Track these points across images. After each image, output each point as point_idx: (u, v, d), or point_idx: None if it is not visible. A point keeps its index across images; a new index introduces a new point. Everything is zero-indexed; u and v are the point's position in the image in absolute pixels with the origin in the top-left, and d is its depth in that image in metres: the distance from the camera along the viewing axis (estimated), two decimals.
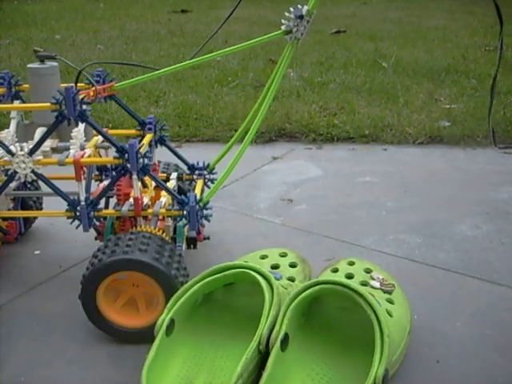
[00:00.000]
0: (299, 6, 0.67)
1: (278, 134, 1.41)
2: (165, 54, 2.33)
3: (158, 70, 0.76)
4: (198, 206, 0.71)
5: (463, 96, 1.65)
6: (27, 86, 0.80)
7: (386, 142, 1.36)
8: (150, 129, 0.82)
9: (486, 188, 1.09)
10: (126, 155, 0.68)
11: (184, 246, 0.76)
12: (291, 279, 0.69)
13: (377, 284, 0.67)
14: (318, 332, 0.61)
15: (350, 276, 0.68)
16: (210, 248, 0.89)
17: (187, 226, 0.74)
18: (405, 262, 0.84)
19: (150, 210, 0.72)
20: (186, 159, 0.86)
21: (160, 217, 0.74)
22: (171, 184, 0.82)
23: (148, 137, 0.80)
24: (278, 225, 0.97)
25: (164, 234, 0.71)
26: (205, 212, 0.72)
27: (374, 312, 0.56)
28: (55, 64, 0.77)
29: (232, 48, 0.71)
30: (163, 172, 0.86)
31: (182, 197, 0.71)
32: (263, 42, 0.69)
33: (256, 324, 0.57)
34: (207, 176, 0.85)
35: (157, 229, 0.71)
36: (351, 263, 0.71)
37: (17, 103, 0.82)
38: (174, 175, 0.84)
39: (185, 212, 0.71)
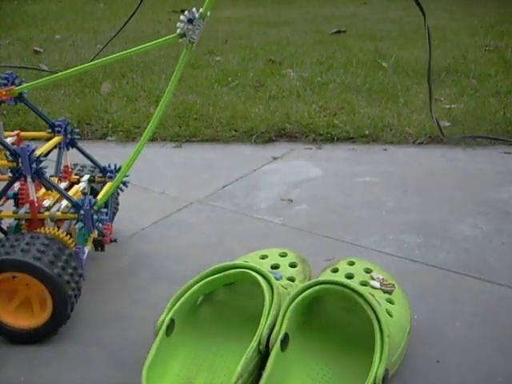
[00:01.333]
0: (194, 10, 0.68)
1: (277, 134, 1.41)
2: (165, 53, 2.33)
3: (56, 73, 0.76)
4: (92, 210, 0.71)
5: (463, 96, 1.65)
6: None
7: (386, 141, 1.36)
8: (58, 131, 0.83)
9: (486, 188, 1.09)
10: (20, 159, 0.68)
11: (88, 248, 0.76)
12: (291, 279, 0.69)
13: (377, 284, 0.67)
14: (317, 332, 0.61)
15: (349, 276, 0.68)
16: (209, 248, 0.89)
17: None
18: (405, 261, 0.84)
19: (46, 213, 0.73)
20: (97, 162, 0.86)
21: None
22: (78, 186, 0.82)
23: (54, 139, 0.81)
24: (277, 225, 0.97)
25: (69, 237, 0.71)
26: (100, 216, 0.72)
27: (374, 312, 0.56)
28: None
29: (127, 51, 0.71)
30: (78, 174, 0.87)
31: (77, 200, 0.71)
32: (158, 45, 0.69)
33: (256, 324, 0.57)
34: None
35: (55, 230, 0.71)
36: (351, 263, 0.71)
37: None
38: (85, 177, 0.85)
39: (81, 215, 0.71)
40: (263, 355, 0.56)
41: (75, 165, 0.89)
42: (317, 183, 1.14)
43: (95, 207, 0.71)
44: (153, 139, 1.41)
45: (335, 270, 0.70)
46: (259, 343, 0.55)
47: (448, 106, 1.56)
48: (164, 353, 0.57)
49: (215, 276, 0.62)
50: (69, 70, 0.74)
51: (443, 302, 0.74)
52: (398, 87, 1.74)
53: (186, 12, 0.67)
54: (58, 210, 0.73)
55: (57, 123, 0.83)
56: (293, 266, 0.72)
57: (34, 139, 0.84)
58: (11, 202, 0.79)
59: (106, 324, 0.71)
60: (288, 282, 0.67)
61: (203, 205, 1.04)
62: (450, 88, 1.74)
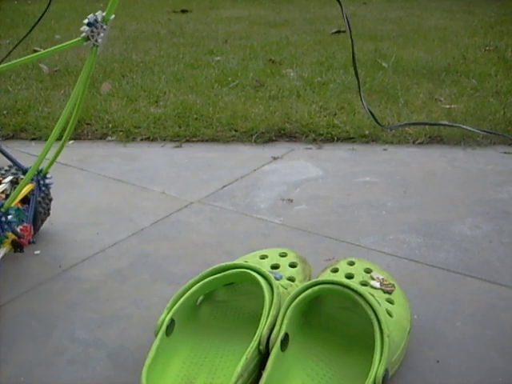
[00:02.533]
0: (97, 13, 0.67)
1: (277, 134, 1.41)
2: (165, 53, 2.33)
3: None
4: None
5: (463, 96, 1.65)
6: None
7: (386, 142, 1.36)
8: None
9: (486, 188, 1.09)
10: None
11: (5, 249, 0.76)
12: (291, 279, 0.69)
13: (377, 284, 0.67)
14: (317, 332, 0.61)
15: (349, 276, 0.68)
16: (210, 248, 0.89)
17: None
18: (405, 262, 0.84)
19: None
20: (19, 163, 0.85)
21: None
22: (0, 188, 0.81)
23: None
24: (277, 225, 0.97)
25: None
26: (8, 218, 0.72)
27: (374, 312, 0.56)
28: None
29: (31, 56, 0.70)
30: (1, 175, 0.86)
31: None
32: (62, 49, 0.68)
33: (256, 324, 0.57)
34: (41, 181, 0.85)
35: None
36: (351, 263, 0.71)
37: None
38: (7, 179, 0.84)
39: None
40: (263, 355, 0.56)
41: (0, 168, 0.89)
42: (317, 183, 1.14)
43: (2, 209, 0.71)
44: (153, 139, 1.41)
45: (335, 270, 0.70)
46: (259, 343, 0.55)
47: (448, 106, 1.56)
48: (164, 353, 0.57)
49: (215, 276, 0.62)
50: None
51: (443, 302, 0.74)
52: (397, 87, 1.74)
53: (90, 15, 0.66)
54: None
55: None
56: (293, 265, 0.72)
57: None
58: None
59: (106, 324, 0.71)
60: (288, 281, 0.67)
61: (203, 205, 1.04)
62: (449, 88, 1.74)
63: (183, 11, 3.68)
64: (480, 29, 2.83)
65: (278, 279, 0.65)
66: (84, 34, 0.67)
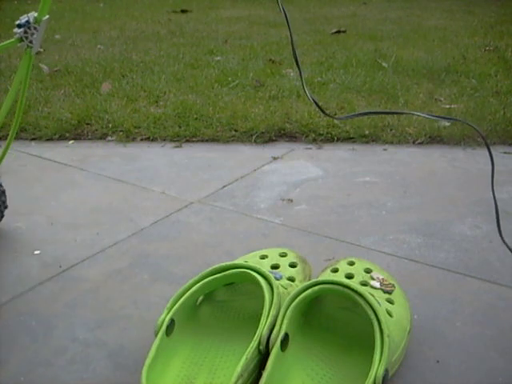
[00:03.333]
0: (29, 14, 0.67)
1: (277, 134, 1.41)
2: (165, 53, 2.33)
3: None
4: None
5: (463, 96, 1.65)
6: None
7: (386, 142, 1.36)
8: None
9: (486, 188, 1.09)
10: None
11: None
12: (291, 279, 0.69)
13: (377, 284, 0.67)
14: (317, 332, 0.61)
15: (349, 276, 0.68)
16: (210, 248, 0.89)
17: None
18: (405, 262, 0.84)
19: None
20: None
21: None
22: None
23: None
24: (278, 225, 0.97)
25: None
26: None
27: (374, 312, 0.56)
28: None
29: None
30: None
31: None
32: None
33: (256, 324, 0.57)
34: None
35: None
36: (351, 263, 0.71)
37: None
38: None
39: None
40: (263, 355, 0.56)
41: None
42: (317, 183, 1.14)
43: None
44: (153, 139, 1.41)
45: (335, 270, 0.70)
46: (259, 343, 0.55)
47: (448, 106, 1.56)
48: (164, 353, 0.57)
49: (215, 276, 0.62)
50: None
51: (443, 302, 0.74)
52: (397, 87, 1.74)
53: (22, 16, 0.66)
54: None
55: None
56: (293, 265, 0.72)
57: None
58: None
59: (106, 324, 0.71)
60: (288, 281, 0.67)
61: (203, 205, 1.04)
62: (449, 88, 1.74)
63: (183, 11, 3.68)
64: (480, 29, 2.83)
65: (278, 279, 0.65)
66: (17, 36, 0.67)
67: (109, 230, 0.95)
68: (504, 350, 0.65)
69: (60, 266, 0.84)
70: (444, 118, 0.73)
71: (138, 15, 3.51)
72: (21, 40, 0.67)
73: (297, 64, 0.71)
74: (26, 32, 0.67)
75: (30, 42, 0.67)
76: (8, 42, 0.68)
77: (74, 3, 4.04)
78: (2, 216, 0.92)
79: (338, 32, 2.80)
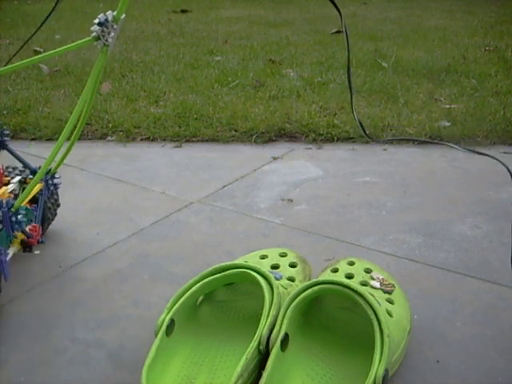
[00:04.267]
0: (108, 13, 0.67)
1: (277, 134, 1.41)
2: (165, 53, 2.33)
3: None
4: (10, 212, 0.70)
5: (463, 96, 1.65)
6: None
7: (386, 142, 1.36)
8: None
9: (486, 188, 1.09)
10: None
11: (14, 249, 0.76)
12: (291, 279, 0.69)
13: (377, 284, 0.67)
14: (317, 332, 0.61)
15: (349, 276, 0.68)
16: (210, 248, 0.89)
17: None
18: (405, 262, 0.84)
19: None
20: (28, 163, 0.86)
21: None
22: (6, 188, 0.81)
23: None
24: (278, 225, 0.97)
25: None
26: (18, 217, 0.72)
27: (374, 312, 0.56)
28: None
29: (42, 55, 0.70)
30: (7, 176, 0.86)
31: None
32: (72, 49, 0.68)
33: (256, 324, 0.57)
34: (50, 181, 0.85)
35: None
36: (351, 263, 0.71)
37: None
38: (15, 179, 0.84)
39: None
40: (263, 355, 0.56)
41: (7, 167, 0.89)
42: (317, 183, 1.14)
43: (12, 209, 0.71)
44: (153, 139, 1.41)
45: (335, 270, 0.70)
46: (259, 343, 0.55)
47: (448, 106, 1.56)
48: (164, 353, 0.57)
49: (215, 276, 0.62)
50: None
51: (443, 302, 0.74)
52: (397, 87, 1.74)
53: (100, 15, 0.66)
54: None
55: None
56: (293, 265, 0.72)
57: None
58: None
59: (106, 324, 0.71)
60: (288, 281, 0.67)
61: (203, 205, 1.04)
62: (449, 88, 1.74)
63: (183, 11, 3.68)
64: (480, 29, 2.83)
65: (278, 279, 0.65)
66: (94, 34, 0.67)
67: (109, 229, 0.95)
68: (504, 350, 0.65)
69: (60, 266, 0.84)
70: (478, 153, 0.73)
71: (138, 15, 3.51)
72: (97, 38, 0.67)
73: (350, 87, 0.71)
74: (102, 31, 0.67)
75: (106, 40, 0.67)
76: (84, 40, 0.68)
77: (74, 3, 4.04)
78: (55, 215, 0.93)
79: (338, 32, 2.80)
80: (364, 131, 0.72)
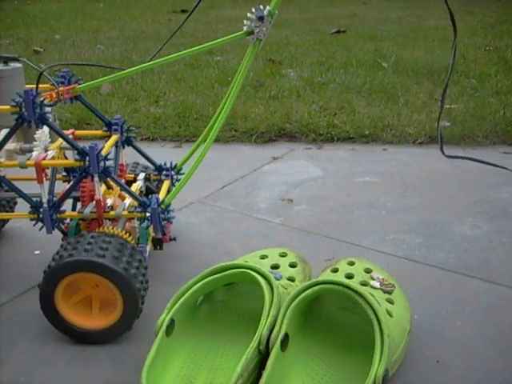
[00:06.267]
0: (261, 7, 0.67)
1: (277, 134, 1.41)
2: (165, 53, 2.33)
3: (123, 70, 0.76)
4: (159, 208, 0.70)
5: (463, 96, 1.65)
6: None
7: (386, 142, 1.36)
8: (115, 130, 0.82)
9: (486, 188, 1.09)
10: (87, 158, 0.68)
11: (149, 247, 0.76)
12: (291, 279, 0.69)
13: (377, 284, 0.67)
14: (317, 332, 0.61)
15: (349, 276, 0.68)
16: (210, 248, 0.89)
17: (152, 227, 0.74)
18: (405, 262, 0.84)
19: (112, 212, 0.72)
20: (153, 160, 0.86)
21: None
22: (137, 185, 0.81)
23: (113, 138, 0.80)
24: (277, 225, 0.97)
25: (129, 235, 0.71)
26: (167, 214, 0.72)
27: (374, 312, 0.56)
28: (19, 65, 0.75)
29: (194, 49, 0.71)
30: (131, 172, 0.86)
31: (144, 199, 0.71)
32: (225, 43, 0.69)
33: (256, 324, 0.57)
34: (174, 177, 0.85)
35: (119, 230, 0.70)
36: (351, 263, 0.71)
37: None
38: (141, 176, 0.84)
39: (147, 214, 0.70)
40: (263, 355, 0.56)
41: (127, 163, 0.89)
42: (317, 183, 1.14)
43: (162, 206, 0.71)
44: (153, 139, 1.41)
45: (335, 270, 0.70)
46: (259, 343, 0.55)
47: (448, 106, 1.56)
48: (164, 353, 0.57)
49: (215, 276, 0.62)
50: (133, 68, 0.74)
51: (443, 302, 0.74)
52: (397, 87, 1.74)
53: (254, 9, 0.66)
54: (123, 209, 0.73)
55: (113, 121, 0.82)
56: (293, 265, 0.72)
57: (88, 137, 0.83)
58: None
59: None
60: (288, 281, 0.67)
61: (203, 205, 1.04)
62: (449, 88, 1.74)
63: (183, 11, 3.68)
64: (480, 29, 2.83)
65: (278, 279, 0.65)
66: (247, 28, 0.67)
67: None
68: (504, 350, 0.65)
69: None
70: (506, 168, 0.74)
71: (138, 15, 3.51)
72: (251, 33, 0.67)
73: (442, 103, 0.71)
74: (256, 26, 0.67)
75: (259, 34, 0.68)
76: (237, 34, 0.69)
77: (73, 3, 4.04)
78: None
79: (338, 32, 2.80)
80: (441, 148, 0.72)
